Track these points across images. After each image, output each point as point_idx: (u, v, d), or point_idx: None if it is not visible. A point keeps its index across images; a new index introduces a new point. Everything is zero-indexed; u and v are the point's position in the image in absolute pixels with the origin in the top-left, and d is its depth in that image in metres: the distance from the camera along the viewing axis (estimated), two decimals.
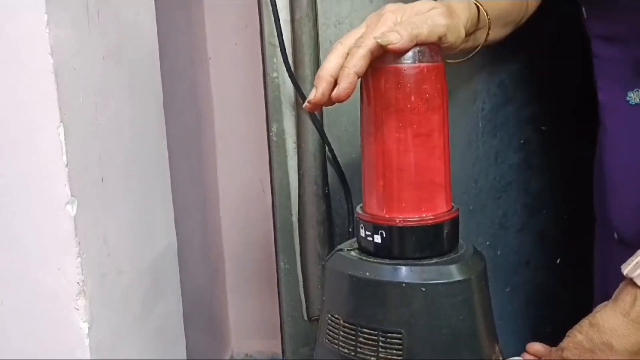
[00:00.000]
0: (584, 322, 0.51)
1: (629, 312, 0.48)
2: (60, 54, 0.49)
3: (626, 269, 0.49)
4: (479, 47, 0.57)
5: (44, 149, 0.49)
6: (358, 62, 0.45)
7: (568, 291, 0.79)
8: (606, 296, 0.52)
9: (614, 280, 0.51)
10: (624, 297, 0.49)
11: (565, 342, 0.52)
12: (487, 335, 0.50)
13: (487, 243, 0.77)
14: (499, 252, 0.78)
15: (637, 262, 0.48)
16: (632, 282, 0.48)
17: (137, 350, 0.65)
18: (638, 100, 0.57)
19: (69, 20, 0.52)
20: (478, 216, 0.76)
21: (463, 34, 0.50)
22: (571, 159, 0.76)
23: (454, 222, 0.50)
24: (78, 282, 0.52)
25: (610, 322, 0.49)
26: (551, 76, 0.74)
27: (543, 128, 0.75)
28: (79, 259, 0.51)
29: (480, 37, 0.57)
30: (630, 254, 0.50)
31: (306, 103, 0.49)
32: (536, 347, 0.57)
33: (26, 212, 0.51)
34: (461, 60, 0.59)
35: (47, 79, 0.48)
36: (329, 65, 0.48)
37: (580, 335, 0.51)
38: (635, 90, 0.57)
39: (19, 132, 0.50)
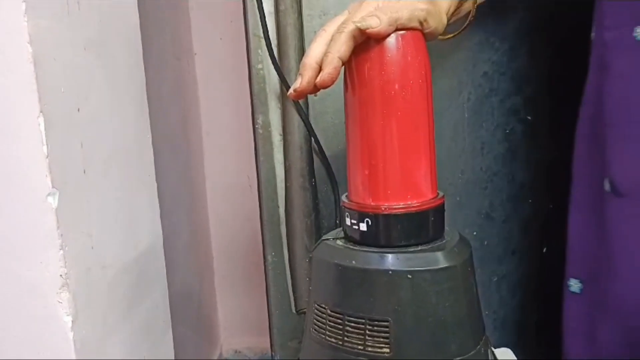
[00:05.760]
0: None
1: None
2: (39, 44, 0.49)
3: None
4: (471, 17, 0.57)
5: (23, 139, 0.48)
6: (341, 47, 0.45)
7: (554, 280, 0.79)
8: None
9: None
10: None
11: None
12: (474, 323, 0.50)
13: (474, 233, 0.77)
14: (485, 243, 0.78)
15: None
16: None
17: (123, 345, 0.64)
18: None
19: (48, 10, 0.51)
20: (464, 207, 0.77)
21: (445, 20, 0.51)
22: (555, 148, 0.76)
23: (440, 210, 0.50)
24: (61, 275, 0.51)
25: None
26: (533, 66, 0.75)
27: (528, 118, 0.76)
28: (62, 252, 0.51)
29: (468, 7, 0.57)
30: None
31: (291, 91, 0.49)
32: None
33: (6, 203, 0.50)
34: (456, 33, 0.58)
35: (26, 68, 0.47)
36: (314, 52, 0.47)
37: None
38: None
39: None
